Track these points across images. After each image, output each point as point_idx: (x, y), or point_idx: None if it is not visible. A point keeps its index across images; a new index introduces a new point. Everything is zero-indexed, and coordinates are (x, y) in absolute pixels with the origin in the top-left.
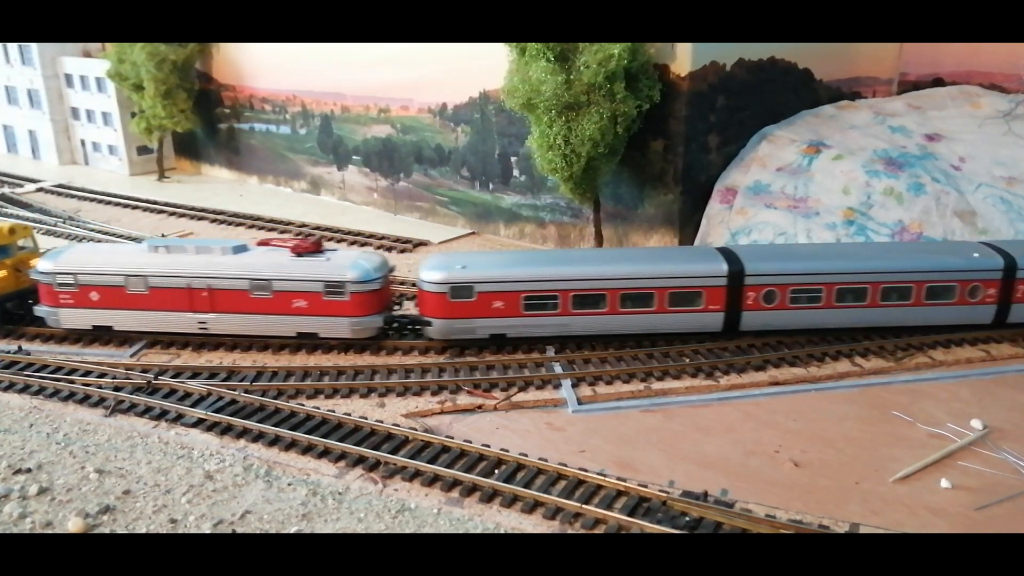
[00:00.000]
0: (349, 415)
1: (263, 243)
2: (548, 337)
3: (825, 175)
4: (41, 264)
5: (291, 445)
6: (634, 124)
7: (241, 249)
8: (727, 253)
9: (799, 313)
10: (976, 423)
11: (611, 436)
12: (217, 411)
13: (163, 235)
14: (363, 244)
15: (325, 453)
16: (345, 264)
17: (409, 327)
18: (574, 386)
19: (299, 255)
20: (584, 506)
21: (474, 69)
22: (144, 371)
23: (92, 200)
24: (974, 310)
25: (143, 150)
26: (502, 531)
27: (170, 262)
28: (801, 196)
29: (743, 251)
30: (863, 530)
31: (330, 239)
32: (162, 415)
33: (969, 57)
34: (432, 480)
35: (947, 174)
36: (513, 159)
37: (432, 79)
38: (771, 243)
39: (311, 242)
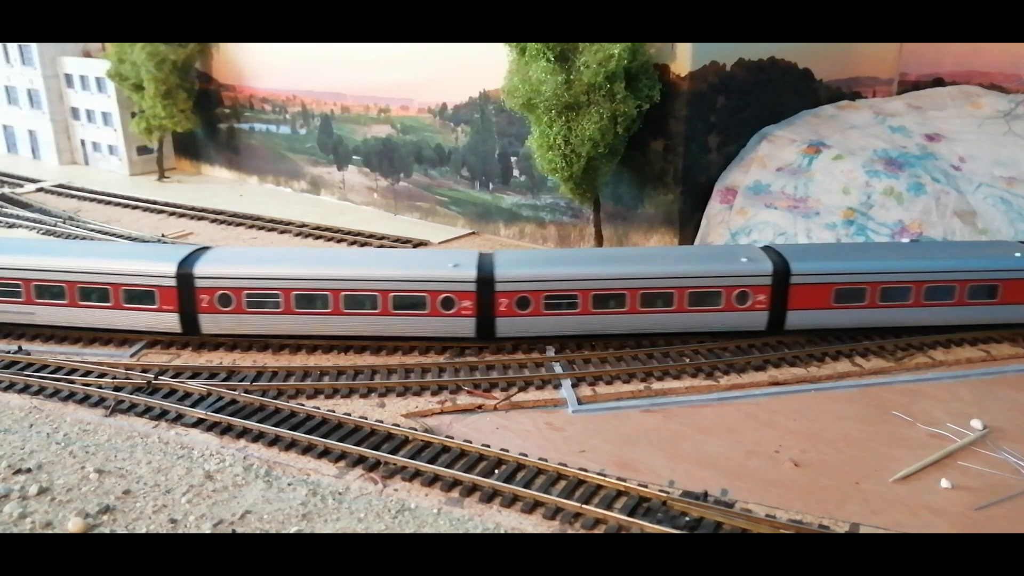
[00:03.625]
0: (349, 415)
1: None
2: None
3: (825, 175)
4: None
5: (291, 445)
6: (634, 124)
7: None
8: (194, 253)
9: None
10: (976, 423)
11: (611, 436)
12: (217, 411)
13: (163, 235)
14: (363, 244)
15: (325, 453)
16: None
17: None
18: (574, 386)
19: None
20: (584, 506)
21: (474, 69)
22: (144, 371)
23: (92, 200)
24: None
25: (143, 150)
26: (502, 531)
27: None
28: (801, 196)
29: (213, 253)
30: (863, 530)
31: (330, 239)
32: (162, 415)
33: (969, 57)
34: (432, 480)
35: (947, 174)
36: (513, 159)
37: (432, 79)
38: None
39: None
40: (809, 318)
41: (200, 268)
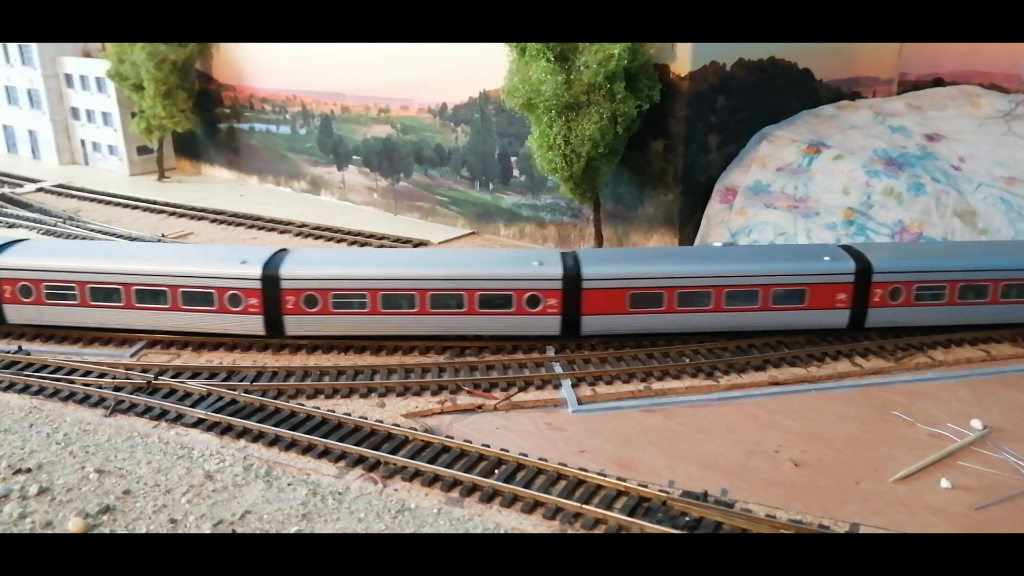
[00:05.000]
0: (349, 415)
1: None
2: None
3: (825, 175)
4: None
5: (291, 445)
6: (634, 124)
7: None
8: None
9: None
10: (976, 423)
11: (611, 436)
12: (217, 411)
13: (163, 235)
14: (363, 244)
15: (325, 453)
16: None
17: None
18: (574, 386)
19: None
20: (584, 506)
21: (474, 69)
22: (144, 371)
23: (92, 200)
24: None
25: (143, 150)
26: (502, 531)
27: None
28: (801, 196)
29: (21, 247)
30: (863, 530)
31: (330, 239)
32: (162, 415)
33: (969, 57)
34: (432, 480)
35: (947, 174)
36: (513, 159)
37: (432, 79)
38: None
39: None
40: (604, 323)
41: (2, 260)
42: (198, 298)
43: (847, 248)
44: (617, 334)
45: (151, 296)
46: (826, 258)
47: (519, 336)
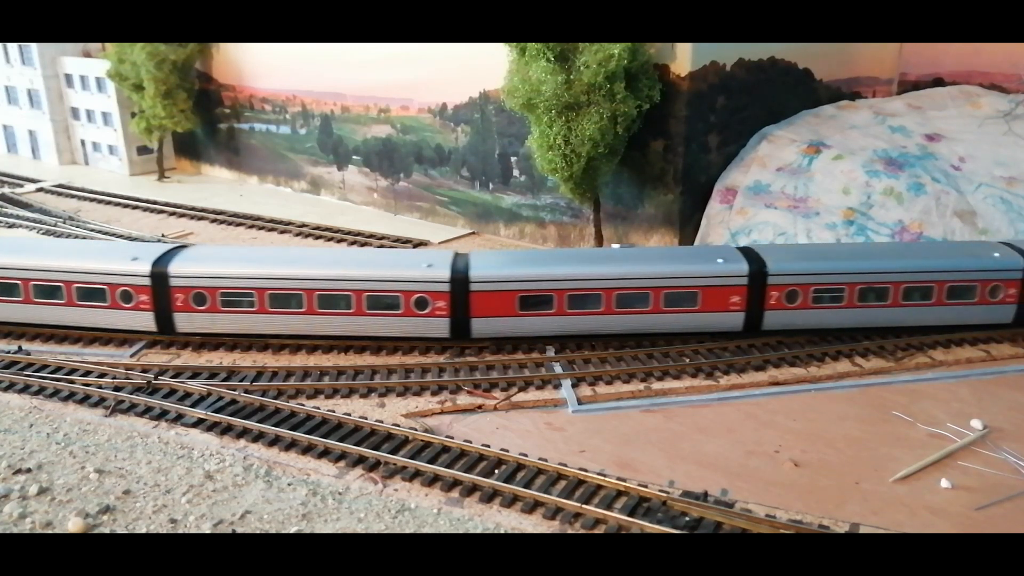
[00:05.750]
0: (349, 415)
1: None
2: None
3: (825, 175)
4: None
5: (291, 445)
6: (634, 124)
7: None
8: None
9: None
10: (976, 423)
11: (611, 436)
12: (217, 411)
13: (163, 235)
14: (363, 244)
15: (325, 453)
16: None
17: None
18: (574, 386)
19: None
20: (584, 506)
21: (474, 69)
22: (144, 371)
23: (92, 200)
24: None
25: (143, 150)
26: (502, 531)
27: None
28: (801, 196)
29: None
30: (863, 530)
31: (330, 239)
32: (162, 415)
33: (969, 57)
34: (432, 480)
35: (947, 174)
36: (513, 159)
37: (432, 79)
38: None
39: None
40: (494, 325)
41: None
42: (92, 294)
43: (744, 250)
44: (508, 336)
45: (47, 292)
46: (719, 260)
47: (408, 338)
